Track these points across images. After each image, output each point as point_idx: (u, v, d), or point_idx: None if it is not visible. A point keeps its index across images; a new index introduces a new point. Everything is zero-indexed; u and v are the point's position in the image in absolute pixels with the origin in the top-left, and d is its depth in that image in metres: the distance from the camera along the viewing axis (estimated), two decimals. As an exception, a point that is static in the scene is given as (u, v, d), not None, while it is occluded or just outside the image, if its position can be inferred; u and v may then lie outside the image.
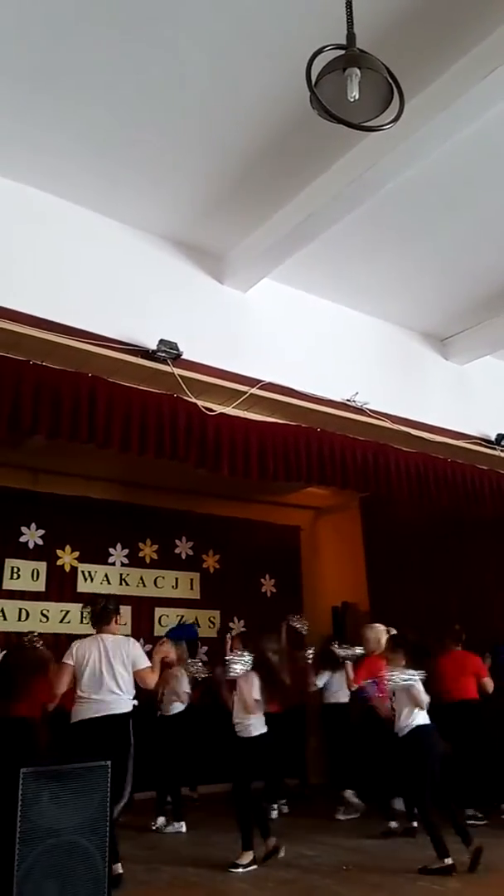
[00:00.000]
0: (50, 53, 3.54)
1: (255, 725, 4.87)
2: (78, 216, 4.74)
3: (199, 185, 4.56)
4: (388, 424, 5.81)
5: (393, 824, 5.61)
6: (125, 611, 7.88)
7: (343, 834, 5.65)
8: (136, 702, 4.63)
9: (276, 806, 6.48)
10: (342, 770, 6.71)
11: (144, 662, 4.62)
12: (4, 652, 6.15)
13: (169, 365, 4.77)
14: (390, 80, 2.63)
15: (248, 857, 4.61)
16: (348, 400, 5.61)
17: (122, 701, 4.48)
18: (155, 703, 6.05)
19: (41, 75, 3.67)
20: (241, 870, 4.52)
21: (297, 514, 9.57)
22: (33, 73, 3.66)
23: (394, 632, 5.66)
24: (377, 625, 6.21)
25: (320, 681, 6.80)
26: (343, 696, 6.62)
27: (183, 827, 5.84)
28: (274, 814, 6.36)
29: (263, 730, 4.89)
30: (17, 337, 4.31)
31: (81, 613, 7.45)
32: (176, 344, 4.74)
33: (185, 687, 6.13)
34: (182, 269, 5.18)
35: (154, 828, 5.86)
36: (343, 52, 2.60)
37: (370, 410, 5.69)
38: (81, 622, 7.38)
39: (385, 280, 5.65)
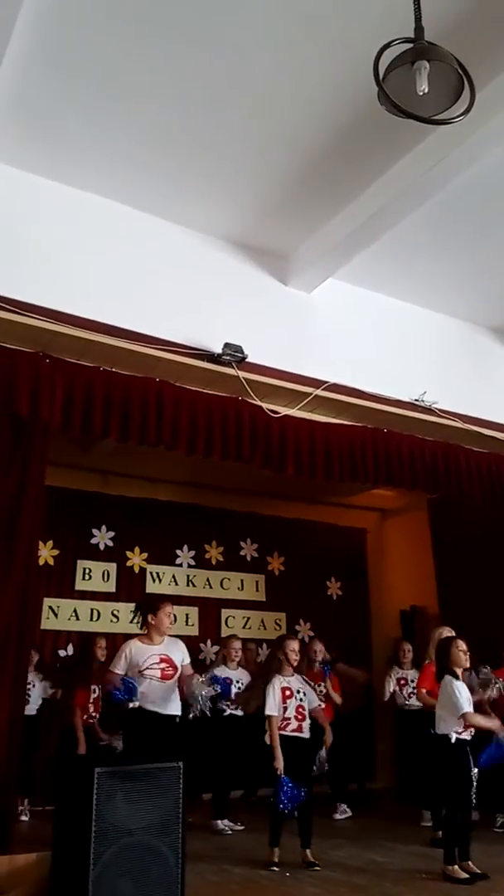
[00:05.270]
0: (114, 58, 3.60)
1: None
2: (143, 222, 4.81)
3: (263, 185, 4.57)
4: (458, 424, 5.68)
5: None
6: (192, 612, 8.03)
7: (414, 839, 5.54)
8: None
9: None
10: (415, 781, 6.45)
11: None
12: None
13: (234, 368, 4.79)
14: (461, 72, 2.56)
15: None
16: (416, 399, 5.51)
17: None
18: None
19: (106, 80, 3.73)
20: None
21: (362, 516, 9.44)
22: (98, 77, 3.73)
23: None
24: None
25: (388, 685, 6.63)
26: (416, 702, 6.43)
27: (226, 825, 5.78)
28: None
29: None
30: (88, 344, 4.41)
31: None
32: (241, 347, 4.75)
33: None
34: (246, 272, 5.19)
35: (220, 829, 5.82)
36: (411, 45, 2.54)
37: (439, 410, 5.58)
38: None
39: (452, 275, 5.54)
